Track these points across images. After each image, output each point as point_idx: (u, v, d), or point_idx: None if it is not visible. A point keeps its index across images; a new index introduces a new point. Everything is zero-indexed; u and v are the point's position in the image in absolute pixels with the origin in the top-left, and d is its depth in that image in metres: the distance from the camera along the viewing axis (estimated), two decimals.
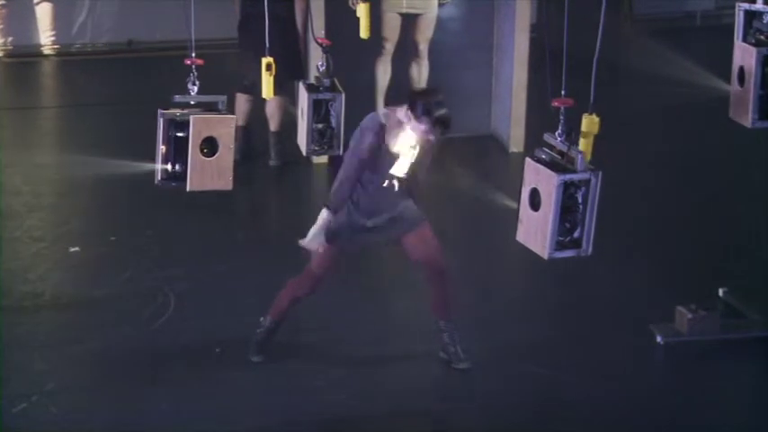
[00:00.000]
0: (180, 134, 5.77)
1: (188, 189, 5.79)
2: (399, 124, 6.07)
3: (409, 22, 9.66)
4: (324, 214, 6.16)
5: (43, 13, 12.19)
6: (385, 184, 6.19)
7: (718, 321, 6.88)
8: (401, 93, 6.20)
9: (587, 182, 5.14)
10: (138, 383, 6.39)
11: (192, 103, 5.82)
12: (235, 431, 6.07)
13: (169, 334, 6.89)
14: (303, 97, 6.28)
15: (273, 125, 9.45)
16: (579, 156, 5.11)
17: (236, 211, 8.70)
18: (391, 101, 6.07)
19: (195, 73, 5.82)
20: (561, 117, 5.18)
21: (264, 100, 8.36)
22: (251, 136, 9.55)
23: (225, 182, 5.82)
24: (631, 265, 7.63)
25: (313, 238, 6.18)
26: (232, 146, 5.82)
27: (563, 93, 5.17)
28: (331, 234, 6.19)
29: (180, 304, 7.20)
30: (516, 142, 9.79)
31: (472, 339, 6.58)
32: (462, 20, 10.13)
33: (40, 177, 9.26)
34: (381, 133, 6.08)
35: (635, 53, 11.48)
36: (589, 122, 5.12)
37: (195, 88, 5.82)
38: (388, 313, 7.14)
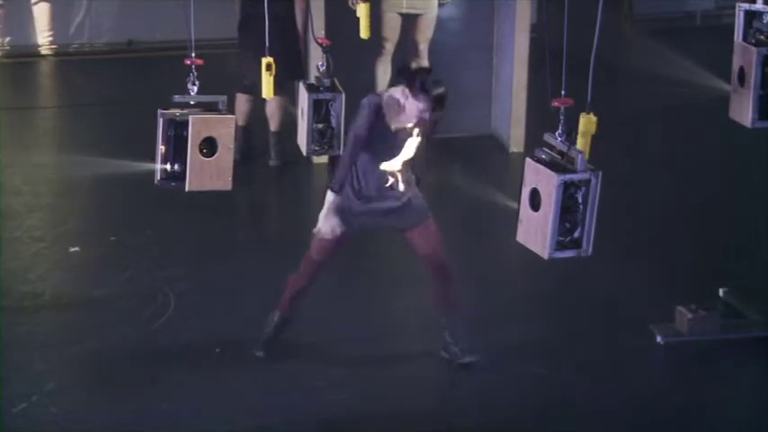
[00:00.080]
0: (179, 134, 5.77)
1: (187, 189, 5.79)
2: (397, 105, 6.06)
3: (409, 22, 9.66)
4: (329, 197, 6.21)
5: (41, 14, 12.18)
6: (388, 184, 6.20)
7: (718, 321, 6.88)
8: (399, 74, 6.16)
9: (587, 182, 5.14)
10: (138, 383, 6.39)
11: (192, 103, 5.82)
12: (235, 431, 6.07)
13: (169, 334, 6.89)
14: (303, 97, 6.28)
15: (273, 125, 9.45)
16: (579, 156, 5.10)
17: (236, 211, 8.70)
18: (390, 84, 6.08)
19: (195, 73, 5.82)
20: (561, 117, 5.17)
21: (264, 100, 8.36)
22: (251, 136, 9.55)
23: (224, 182, 5.82)
24: (631, 265, 7.63)
25: (325, 221, 6.22)
26: (231, 146, 5.82)
27: (563, 93, 5.16)
28: (340, 216, 6.21)
29: (180, 304, 7.20)
30: (516, 142, 9.79)
31: (472, 339, 6.58)
32: (462, 20, 10.13)
33: (40, 177, 9.26)
34: (379, 111, 6.09)
35: (635, 53, 11.48)
36: (587, 122, 5.11)
37: (195, 88, 5.82)
38: (388, 313, 7.13)
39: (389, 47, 9.68)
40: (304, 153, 6.42)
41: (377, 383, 6.42)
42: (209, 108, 5.86)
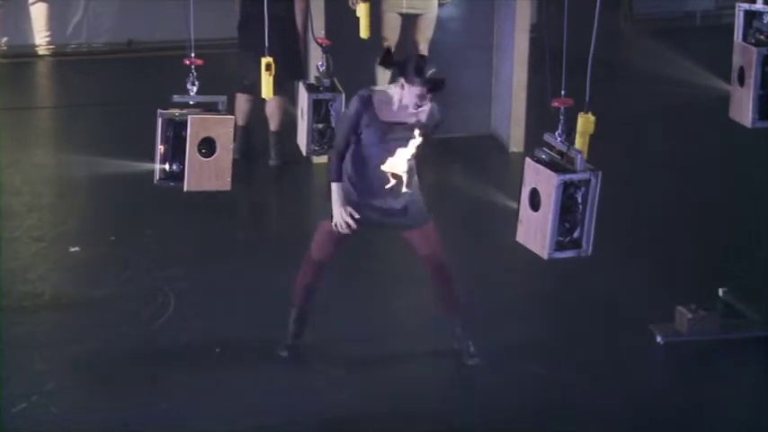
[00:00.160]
0: (178, 134, 5.77)
1: (185, 189, 5.79)
2: (389, 100, 6.05)
3: (409, 22, 9.66)
4: (333, 187, 6.24)
5: (38, 14, 12.18)
6: (388, 186, 6.19)
7: (718, 321, 6.88)
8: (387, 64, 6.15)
9: (587, 182, 5.14)
10: (138, 383, 6.39)
11: (192, 103, 5.82)
12: (235, 431, 6.07)
13: (169, 334, 6.89)
14: (303, 97, 6.28)
15: (273, 125, 9.45)
16: (579, 156, 5.11)
17: (236, 210, 8.70)
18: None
19: (194, 73, 5.82)
20: (561, 117, 5.17)
21: (264, 100, 8.36)
22: (251, 136, 9.55)
23: (223, 182, 5.82)
24: (631, 265, 7.63)
25: (339, 213, 6.23)
26: (230, 146, 5.82)
27: (563, 93, 5.17)
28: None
29: (180, 304, 7.20)
30: (516, 142, 9.79)
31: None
32: (462, 20, 10.13)
33: (40, 177, 9.26)
34: (369, 102, 6.08)
35: (635, 53, 11.49)
36: (585, 121, 5.11)
37: (194, 88, 5.82)
38: (388, 313, 7.13)
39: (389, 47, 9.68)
40: (304, 153, 6.42)
41: (377, 383, 6.42)
42: (210, 108, 5.86)
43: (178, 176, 5.80)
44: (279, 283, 7.42)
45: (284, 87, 8.56)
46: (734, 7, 6.32)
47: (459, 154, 9.46)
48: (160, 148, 5.81)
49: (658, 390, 6.42)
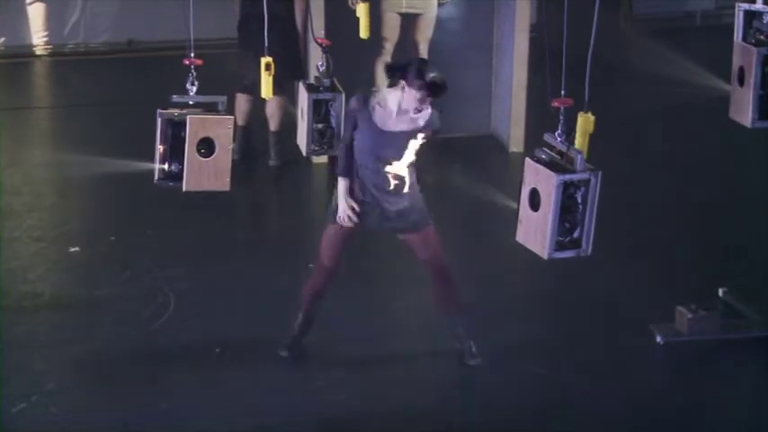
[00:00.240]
0: (177, 134, 5.77)
1: (184, 189, 5.79)
2: (386, 104, 6.05)
3: (409, 21, 9.67)
4: (339, 181, 6.24)
5: (35, 14, 12.18)
6: (391, 187, 6.20)
7: (718, 321, 6.88)
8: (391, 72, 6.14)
9: (587, 182, 5.14)
10: (138, 383, 6.39)
11: (192, 103, 5.82)
12: (235, 431, 6.07)
13: (169, 334, 6.89)
14: (303, 97, 6.28)
15: (273, 125, 9.45)
16: (579, 156, 5.10)
17: (236, 210, 8.70)
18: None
19: (194, 73, 5.82)
20: (561, 117, 5.17)
21: (264, 100, 8.36)
22: (251, 136, 9.55)
23: (222, 183, 5.82)
24: (631, 265, 7.63)
25: (343, 206, 6.23)
26: (230, 147, 5.82)
27: (563, 93, 5.16)
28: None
29: (180, 304, 7.20)
30: (516, 142, 9.79)
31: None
32: (462, 20, 10.13)
33: (40, 177, 9.26)
34: (365, 101, 6.08)
35: (635, 53, 11.49)
36: (585, 121, 5.11)
37: (194, 88, 5.82)
38: (388, 313, 7.14)
39: (389, 47, 9.69)
40: (304, 153, 6.42)
41: (377, 383, 6.42)
42: (210, 109, 5.86)
43: (177, 176, 5.80)
44: (279, 283, 7.43)
45: (284, 87, 8.57)
46: (734, 7, 6.32)
47: (459, 154, 9.46)
48: (159, 147, 5.81)
49: (658, 390, 6.42)
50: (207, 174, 5.77)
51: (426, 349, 6.71)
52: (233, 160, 5.96)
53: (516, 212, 5.31)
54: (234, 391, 6.31)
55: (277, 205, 9.32)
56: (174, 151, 5.79)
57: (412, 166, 6.23)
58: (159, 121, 5.80)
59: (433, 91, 5.96)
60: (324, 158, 8.97)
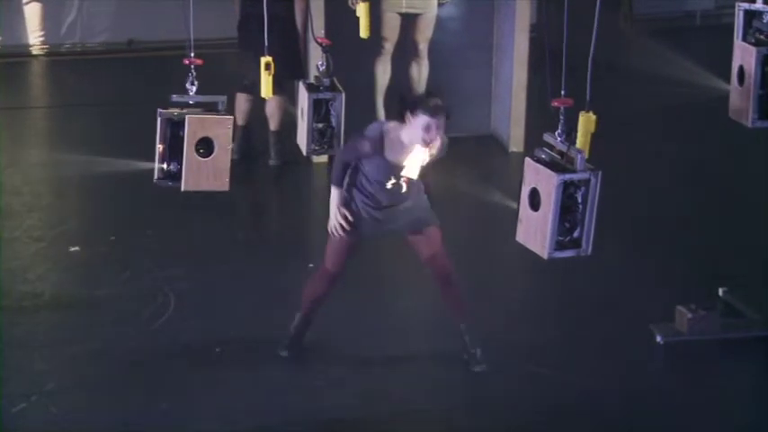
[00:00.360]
0: (176, 134, 5.77)
1: (183, 189, 5.79)
2: (399, 140, 6.08)
3: (409, 21, 9.66)
4: (333, 190, 6.26)
5: (32, 13, 12.17)
6: (389, 186, 6.20)
7: (718, 321, 6.88)
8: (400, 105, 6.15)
9: (587, 182, 5.14)
10: (138, 383, 6.39)
11: (191, 102, 5.82)
12: (235, 431, 6.07)
13: (169, 334, 6.89)
14: (303, 97, 6.28)
15: (273, 125, 9.45)
16: (579, 156, 5.10)
17: (236, 210, 8.70)
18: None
19: (194, 73, 5.82)
20: (561, 117, 5.17)
21: (264, 99, 8.37)
22: (251, 135, 9.55)
23: (221, 182, 5.82)
24: (631, 265, 7.63)
25: (334, 214, 6.26)
26: (229, 147, 5.82)
27: (563, 93, 5.16)
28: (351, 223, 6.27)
29: (180, 304, 7.20)
30: (516, 142, 9.79)
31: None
32: (462, 19, 10.13)
33: (40, 177, 9.26)
34: (380, 144, 6.09)
35: (635, 53, 11.48)
36: (586, 120, 5.11)
37: (194, 88, 5.82)
38: (388, 313, 7.13)
39: (389, 46, 9.69)
40: (304, 153, 6.42)
41: (377, 383, 6.41)
42: (210, 108, 5.86)
43: (176, 176, 5.80)
44: (279, 283, 7.43)
45: (284, 87, 8.57)
46: (734, 7, 6.32)
47: (458, 154, 9.43)
48: (159, 147, 5.81)
49: (658, 389, 6.41)
50: (206, 174, 5.77)
51: (426, 349, 6.71)
52: (233, 160, 5.96)
53: (516, 212, 5.31)
54: (234, 391, 6.31)
55: (277, 205, 9.32)
56: (174, 151, 5.79)
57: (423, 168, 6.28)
58: (159, 120, 5.80)
59: (433, 111, 5.96)
60: (324, 158, 8.97)
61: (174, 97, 5.84)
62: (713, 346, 6.80)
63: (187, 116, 5.73)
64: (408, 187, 6.24)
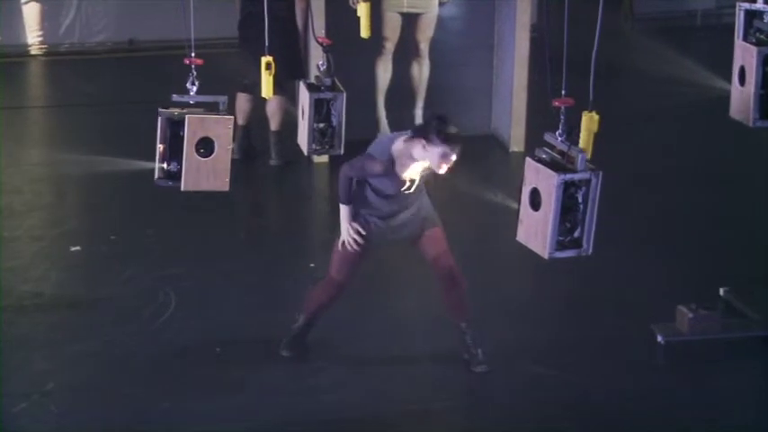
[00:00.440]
0: (176, 133, 5.76)
1: (182, 188, 5.78)
2: (410, 157, 6.09)
3: (410, 21, 9.67)
4: (342, 207, 6.29)
5: (31, 13, 12.17)
6: (404, 188, 6.22)
7: (718, 321, 6.87)
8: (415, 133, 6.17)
9: (588, 181, 5.13)
10: (139, 383, 6.39)
11: (192, 102, 5.81)
12: (235, 431, 6.06)
13: (169, 333, 6.89)
14: (304, 97, 6.27)
15: (274, 124, 9.45)
16: (580, 155, 5.10)
17: (236, 210, 8.70)
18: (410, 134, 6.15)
19: (194, 73, 5.81)
20: (562, 117, 5.17)
21: (265, 99, 8.36)
22: (251, 135, 9.55)
23: (221, 183, 5.81)
24: (632, 265, 7.62)
25: (346, 229, 6.28)
26: (229, 147, 5.81)
27: (563, 92, 5.16)
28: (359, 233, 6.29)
29: (180, 304, 7.20)
30: (517, 141, 9.79)
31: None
32: (463, 19, 10.13)
33: (41, 177, 9.26)
34: (391, 165, 6.12)
35: (635, 52, 11.48)
36: (589, 120, 5.11)
37: (194, 88, 5.81)
38: (388, 313, 7.13)
39: (390, 46, 9.69)
40: (305, 152, 6.41)
41: (377, 383, 6.41)
42: (211, 108, 5.86)
43: (176, 176, 5.79)
44: (280, 283, 7.43)
45: (285, 87, 8.57)
46: (734, 6, 6.31)
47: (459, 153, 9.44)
48: (160, 146, 5.81)
49: (659, 389, 6.41)
50: (206, 173, 5.76)
51: (427, 349, 6.70)
52: (233, 160, 5.95)
53: (517, 212, 5.30)
54: (234, 391, 6.31)
55: (278, 205, 9.32)
56: (174, 151, 5.79)
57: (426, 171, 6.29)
58: (159, 120, 5.79)
59: (452, 147, 6.03)
60: (325, 158, 8.97)
61: (175, 97, 5.83)
62: (714, 345, 6.80)
63: (187, 116, 5.72)
64: (414, 191, 6.26)
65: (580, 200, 5.15)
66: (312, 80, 6.55)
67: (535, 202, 5.18)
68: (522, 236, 5.30)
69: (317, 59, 6.94)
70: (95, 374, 6.50)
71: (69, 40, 12.33)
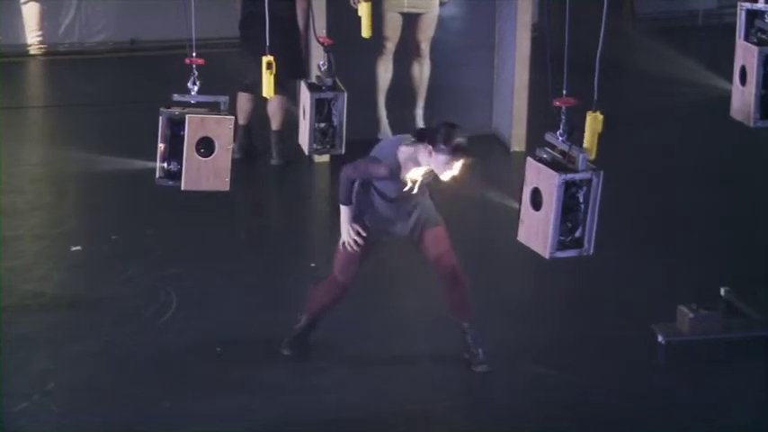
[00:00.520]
0: (176, 133, 5.76)
1: (182, 188, 5.78)
2: (415, 162, 6.09)
3: (411, 21, 9.67)
4: (342, 208, 6.29)
5: (30, 13, 12.17)
6: (406, 189, 6.22)
7: (719, 321, 6.87)
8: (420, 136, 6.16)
9: (588, 181, 5.13)
10: (139, 383, 6.39)
11: (193, 102, 5.81)
12: (235, 431, 6.06)
13: (170, 333, 6.89)
14: (305, 96, 6.27)
15: (275, 124, 9.45)
16: (581, 155, 5.10)
17: (237, 210, 8.70)
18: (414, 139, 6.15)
19: (196, 72, 5.81)
20: (563, 116, 5.17)
21: (266, 99, 8.36)
22: (252, 135, 9.55)
23: (221, 183, 5.80)
24: (633, 265, 7.62)
25: (346, 230, 6.29)
26: (230, 147, 5.80)
27: (564, 92, 5.16)
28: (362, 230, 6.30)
29: (181, 303, 7.19)
30: (518, 141, 9.79)
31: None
32: (464, 19, 10.13)
33: (41, 176, 9.26)
34: (397, 168, 6.12)
35: (636, 52, 11.48)
36: (593, 120, 5.11)
37: (195, 88, 5.81)
38: (389, 313, 7.13)
39: (391, 46, 9.69)
40: (306, 152, 6.40)
41: (378, 383, 6.41)
42: (212, 108, 5.85)
43: (176, 175, 5.79)
44: (280, 283, 7.43)
45: (286, 87, 8.57)
46: (736, 6, 6.31)
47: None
48: (161, 146, 5.81)
49: (659, 389, 6.41)
50: (206, 173, 5.76)
51: (428, 349, 6.70)
52: (234, 159, 5.95)
53: (518, 212, 5.30)
54: (234, 391, 6.31)
55: (279, 204, 9.32)
56: (175, 150, 5.78)
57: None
58: (160, 119, 5.79)
59: (459, 155, 6.01)
60: (326, 158, 8.97)
61: (176, 97, 5.83)
62: (715, 346, 6.79)
63: (187, 116, 5.72)
64: (416, 193, 6.26)
65: (581, 200, 5.15)
66: (313, 80, 6.55)
67: (536, 201, 5.18)
68: (523, 236, 5.29)
69: (318, 59, 6.94)
70: (96, 374, 6.50)
71: (69, 40, 12.33)
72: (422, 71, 9.82)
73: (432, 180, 6.26)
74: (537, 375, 6.50)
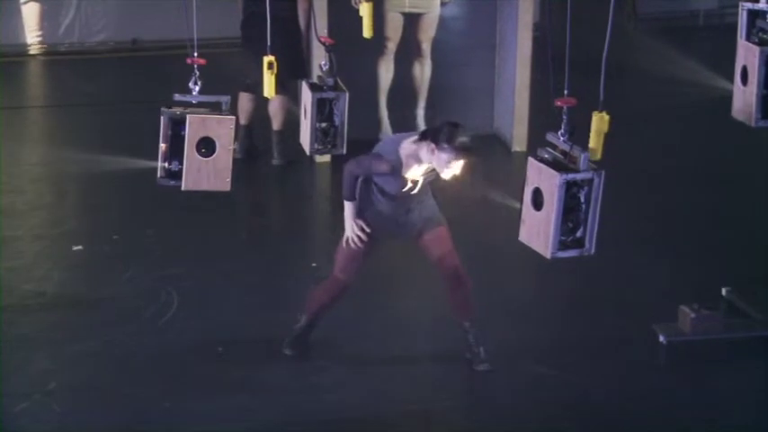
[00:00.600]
0: (177, 133, 5.76)
1: (183, 188, 5.78)
2: (417, 159, 6.09)
3: (412, 21, 9.66)
4: (346, 204, 6.29)
5: (30, 13, 12.17)
6: (407, 188, 6.22)
7: (721, 321, 6.86)
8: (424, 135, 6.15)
9: (590, 181, 5.12)
10: (139, 383, 6.39)
11: (195, 102, 5.81)
12: (235, 431, 6.06)
13: (171, 333, 6.89)
14: (306, 96, 6.27)
15: (276, 124, 9.44)
16: (582, 155, 5.09)
17: (238, 209, 8.70)
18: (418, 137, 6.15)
19: (197, 72, 5.81)
20: (564, 116, 5.16)
21: (267, 99, 8.36)
22: (254, 135, 9.54)
23: (222, 182, 5.80)
24: (634, 265, 7.62)
25: (350, 226, 6.29)
26: (231, 147, 5.80)
27: (566, 92, 5.15)
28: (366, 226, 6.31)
29: (182, 303, 7.19)
30: (519, 141, 9.78)
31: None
32: (465, 19, 10.13)
33: (42, 176, 9.26)
34: (399, 165, 6.12)
35: (638, 52, 11.47)
36: (599, 120, 5.10)
37: (197, 88, 5.81)
38: (389, 313, 7.13)
39: (392, 46, 9.69)
40: (307, 152, 6.40)
41: (378, 383, 6.41)
42: (213, 108, 5.85)
43: (177, 175, 5.78)
44: (281, 283, 7.43)
45: (287, 86, 8.57)
46: (737, 6, 6.30)
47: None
48: (162, 146, 5.80)
49: (660, 389, 6.41)
50: (206, 173, 5.76)
51: (428, 349, 6.70)
52: (235, 159, 5.95)
53: (519, 212, 5.30)
54: (235, 391, 6.31)
55: (280, 204, 9.32)
56: (176, 150, 5.78)
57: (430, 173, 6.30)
58: (161, 119, 5.79)
59: (461, 155, 6.01)
60: (327, 158, 8.97)
61: (177, 96, 5.83)
62: (716, 346, 6.79)
63: (188, 116, 5.72)
64: (418, 192, 6.26)
65: (582, 199, 5.14)
66: (314, 80, 6.55)
67: (537, 201, 5.17)
68: (525, 236, 5.29)
69: (319, 59, 6.93)
70: (96, 374, 6.50)
71: (69, 40, 12.33)
72: (423, 71, 9.82)
73: (434, 180, 6.26)
74: (538, 375, 6.50)
